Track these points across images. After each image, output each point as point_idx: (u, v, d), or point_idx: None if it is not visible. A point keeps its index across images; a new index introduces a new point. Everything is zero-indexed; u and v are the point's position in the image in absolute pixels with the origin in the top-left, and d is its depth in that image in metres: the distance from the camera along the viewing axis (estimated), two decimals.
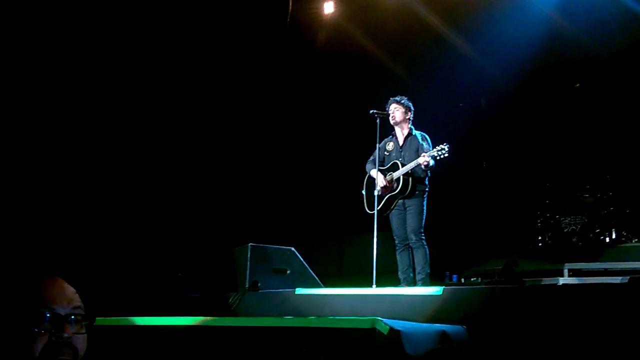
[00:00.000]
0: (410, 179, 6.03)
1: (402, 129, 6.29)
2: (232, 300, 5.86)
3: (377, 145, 6.23)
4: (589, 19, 7.69)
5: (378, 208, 6.09)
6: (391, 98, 6.33)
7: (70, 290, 1.59)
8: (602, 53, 7.60)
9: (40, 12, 6.92)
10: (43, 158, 6.90)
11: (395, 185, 6.09)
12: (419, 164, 5.88)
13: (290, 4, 9.45)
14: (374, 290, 5.38)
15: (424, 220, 6.02)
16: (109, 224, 7.29)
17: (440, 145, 5.81)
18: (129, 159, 7.66)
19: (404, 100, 6.28)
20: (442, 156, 5.79)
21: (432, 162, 5.84)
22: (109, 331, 4.67)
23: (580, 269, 6.38)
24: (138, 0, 7.68)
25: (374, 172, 6.29)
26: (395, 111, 6.23)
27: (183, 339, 4.46)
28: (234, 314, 5.65)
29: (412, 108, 6.30)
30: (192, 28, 8.19)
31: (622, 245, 6.65)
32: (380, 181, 6.17)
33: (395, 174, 6.09)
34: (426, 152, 5.89)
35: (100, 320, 4.80)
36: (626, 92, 7.48)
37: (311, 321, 4.27)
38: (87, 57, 7.28)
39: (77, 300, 1.57)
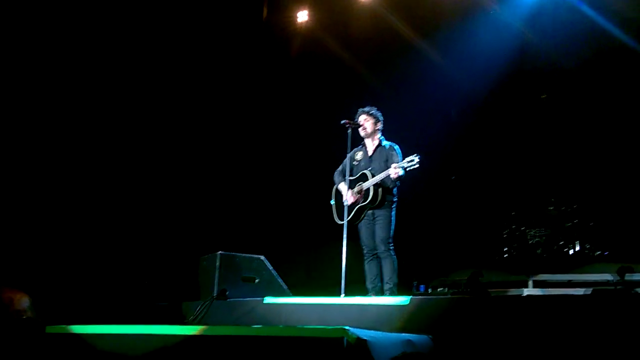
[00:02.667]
0: (380, 189, 6.05)
1: (372, 139, 6.32)
2: (199, 308, 5.82)
3: (348, 155, 6.23)
4: (556, 33, 7.87)
5: (348, 218, 6.09)
6: (360, 109, 6.33)
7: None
8: (569, 65, 7.76)
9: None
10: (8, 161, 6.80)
11: (364, 195, 6.12)
12: (389, 175, 5.92)
13: (265, 11, 9.47)
14: (342, 299, 5.39)
15: (392, 231, 6.05)
16: (77, 231, 7.19)
17: (411, 157, 5.83)
18: (95, 164, 7.57)
19: (373, 110, 6.31)
20: (412, 167, 5.82)
21: (402, 172, 5.87)
22: (71, 340, 4.61)
23: (544, 281, 6.49)
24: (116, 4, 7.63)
25: (342, 186, 6.28)
26: (366, 122, 6.25)
27: (145, 348, 4.42)
28: (194, 323, 5.61)
29: (381, 118, 6.33)
30: (162, 32, 8.14)
31: (586, 257, 6.77)
32: (348, 197, 6.13)
33: (365, 185, 6.12)
34: (396, 163, 5.91)
35: (60, 329, 4.73)
36: (592, 104, 7.65)
37: (279, 330, 4.27)
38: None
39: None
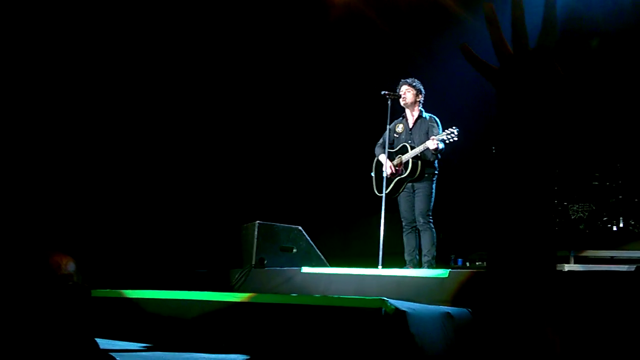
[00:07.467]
0: (420, 162, 6.02)
1: (413, 111, 6.28)
2: (238, 276, 5.91)
3: (387, 127, 6.23)
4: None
5: (387, 191, 6.10)
6: (402, 79, 6.30)
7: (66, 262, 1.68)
8: (615, 31, 7.50)
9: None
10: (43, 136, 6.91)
11: (404, 168, 6.10)
12: (428, 148, 5.88)
13: None
14: (380, 271, 5.41)
15: (432, 204, 6.02)
16: (119, 199, 7.33)
17: (450, 129, 5.80)
18: (138, 134, 7.67)
19: (415, 82, 6.26)
20: (451, 140, 5.78)
21: (441, 146, 5.83)
22: (112, 304, 4.74)
23: (586, 256, 6.38)
24: None
25: (382, 157, 6.29)
26: (407, 93, 6.22)
27: (189, 313, 4.51)
28: (236, 290, 5.70)
29: (423, 90, 6.28)
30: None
31: (630, 234, 6.63)
32: (387, 168, 6.17)
33: (405, 157, 6.09)
34: (435, 136, 5.88)
35: (107, 293, 4.86)
36: (636, 72, 7.40)
37: (317, 299, 4.31)
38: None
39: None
